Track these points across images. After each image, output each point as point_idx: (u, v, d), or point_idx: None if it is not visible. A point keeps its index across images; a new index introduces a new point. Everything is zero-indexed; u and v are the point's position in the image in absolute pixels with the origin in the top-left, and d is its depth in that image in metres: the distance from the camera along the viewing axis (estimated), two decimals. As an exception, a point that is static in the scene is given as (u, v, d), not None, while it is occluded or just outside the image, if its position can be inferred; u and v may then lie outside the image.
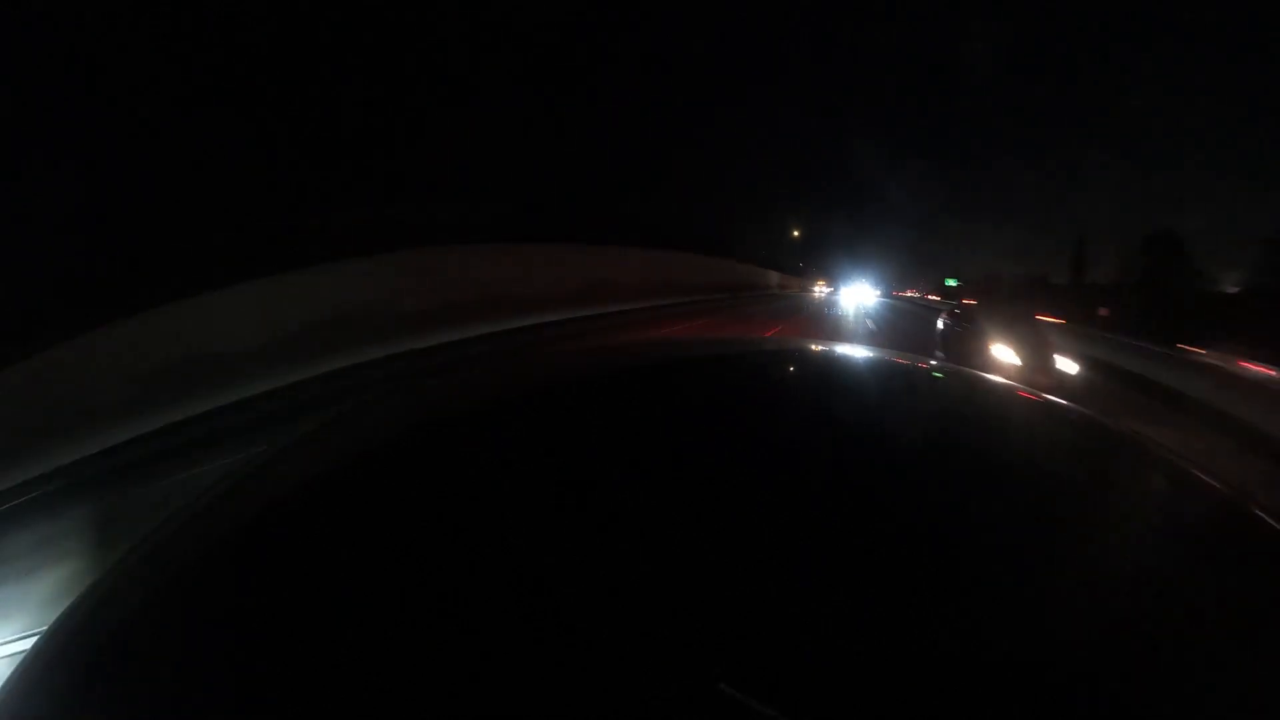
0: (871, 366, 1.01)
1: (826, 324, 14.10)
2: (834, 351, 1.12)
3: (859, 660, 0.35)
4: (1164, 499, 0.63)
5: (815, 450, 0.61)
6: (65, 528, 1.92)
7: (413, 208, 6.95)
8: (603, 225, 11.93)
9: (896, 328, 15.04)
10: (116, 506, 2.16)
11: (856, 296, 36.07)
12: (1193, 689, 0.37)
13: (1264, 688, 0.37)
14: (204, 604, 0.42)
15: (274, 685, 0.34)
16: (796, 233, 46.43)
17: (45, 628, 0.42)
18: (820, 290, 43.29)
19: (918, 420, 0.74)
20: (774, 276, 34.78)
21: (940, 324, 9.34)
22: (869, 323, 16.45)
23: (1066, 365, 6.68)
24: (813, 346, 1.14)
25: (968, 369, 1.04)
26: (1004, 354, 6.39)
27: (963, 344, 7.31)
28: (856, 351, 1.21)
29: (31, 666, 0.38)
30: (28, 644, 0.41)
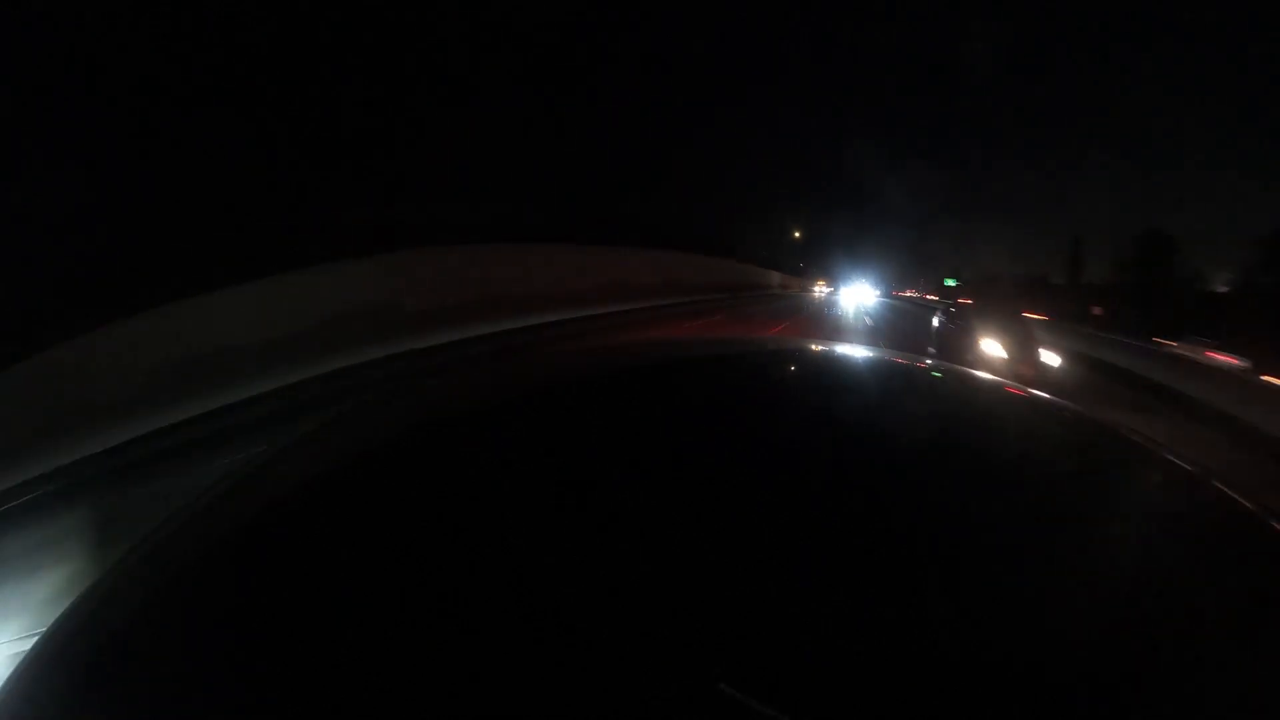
0: (870, 366, 1.01)
1: (826, 324, 14.18)
2: (833, 351, 1.13)
3: (859, 660, 0.35)
4: (1162, 498, 0.63)
5: (814, 450, 0.61)
6: (65, 528, 1.92)
7: (412, 208, 6.94)
8: (603, 225, 11.93)
9: (894, 326, 15.48)
10: (116, 506, 2.16)
11: (856, 296, 36.15)
12: (1192, 688, 0.37)
13: (1263, 687, 0.37)
14: (204, 604, 0.42)
15: (274, 685, 0.34)
16: (798, 234, 46.58)
17: (45, 628, 0.42)
18: (820, 290, 43.33)
19: (916, 420, 0.74)
20: (775, 277, 34.81)
21: (935, 321, 9.89)
22: (867, 319, 17.07)
23: (1050, 358, 7.21)
24: (812, 346, 1.14)
25: (965, 369, 1.04)
26: (992, 348, 6.90)
27: (955, 340, 7.76)
28: (855, 351, 1.21)
29: (31, 666, 0.38)
30: (28, 644, 0.41)
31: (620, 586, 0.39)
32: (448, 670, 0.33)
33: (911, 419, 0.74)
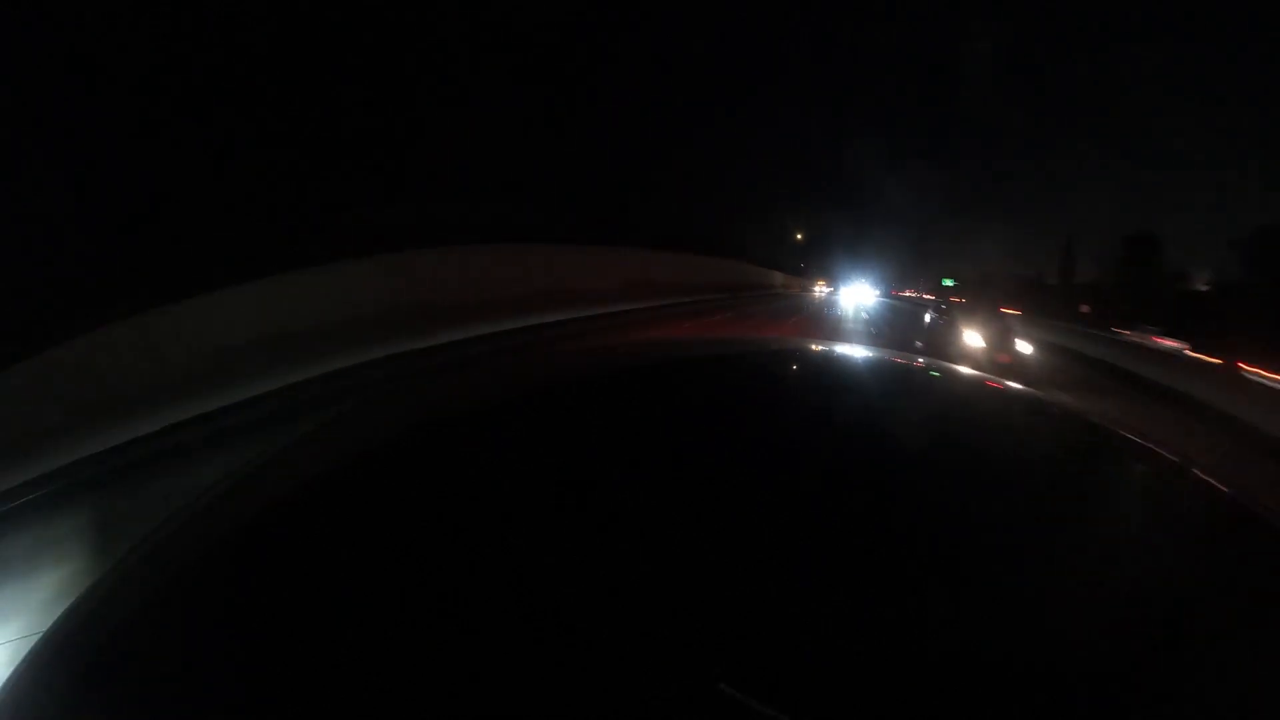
0: (868, 366, 1.01)
1: (826, 324, 14.34)
2: (832, 352, 1.13)
3: (858, 660, 0.35)
4: (1158, 495, 0.63)
5: (813, 450, 0.61)
6: (65, 528, 1.92)
7: (412, 208, 6.94)
8: (604, 225, 11.92)
9: (890, 324, 16.46)
10: (116, 506, 2.15)
11: (856, 296, 36.21)
12: (1190, 687, 0.37)
13: (1261, 686, 0.37)
14: (204, 604, 0.42)
15: (274, 685, 0.34)
16: (799, 236, 46.73)
17: (45, 628, 0.42)
18: (820, 290, 43.42)
19: (914, 420, 0.74)
20: (776, 277, 34.88)
21: (927, 318, 11.82)
22: (864, 315, 18.61)
23: (1024, 347, 8.46)
24: (811, 346, 1.14)
25: (963, 369, 1.04)
26: (973, 340, 8.07)
27: (943, 333, 9.23)
28: (854, 351, 1.22)
29: (31, 666, 0.38)
30: (28, 644, 0.41)
31: (620, 586, 0.39)
32: (448, 670, 0.33)
33: (910, 419, 0.75)
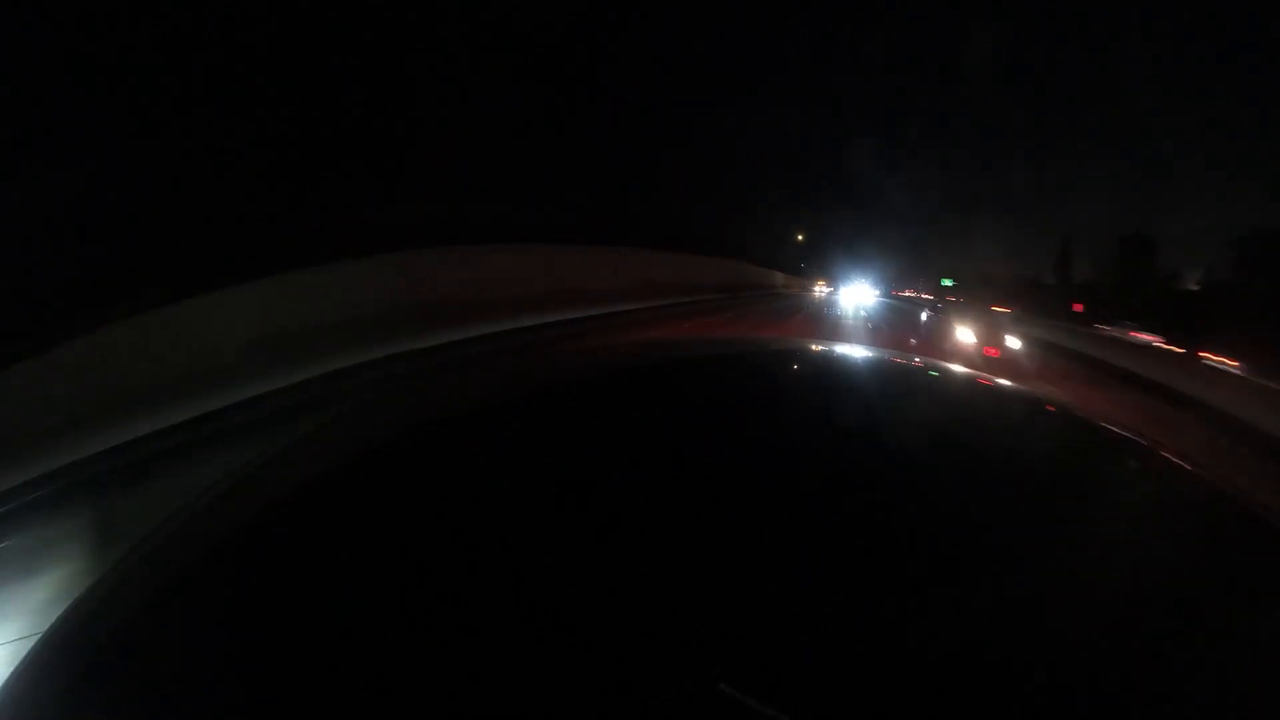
0: (867, 366, 1.02)
1: (825, 324, 14.47)
2: (832, 352, 1.13)
3: (859, 660, 0.35)
4: (1157, 495, 0.63)
5: (814, 450, 0.61)
6: (65, 528, 1.92)
7: (412, 208, 6.94)
8: (605, 225, 11.92)
9: (889, 322, 17.53)
10: (116, 506, 2.15)
11: (856, 296, 36.27)
12: (1190, 686, 0.37)
13: (1263, 687, 0.37)
14: (204, 604, 0.42)
15: (274, 685, 0.34)
16: (800, 237, 46.87)
17: (46, 628, 0.42)
18: (820, 290, 43.47)
19: (914, 420, 0.74)
20: (776, 276, 34.92)
21: (924, 316, 13.70)
22: (863, 314, 19.58)
23: (1012, 342, 9.21)
24: (811, 346, 1.15)
25: (960, 368, 1.04)
26: (965, 335, 8.99)
27: (938, 328, 10.46)
28: (854, 351, 1.22)
29: (31, 666, 0.38)
30: (28, 645, 0.41)
31: (621, 587, 0.39)
32: (448, 670, 0.33)
33: (909, 419, 0.75)
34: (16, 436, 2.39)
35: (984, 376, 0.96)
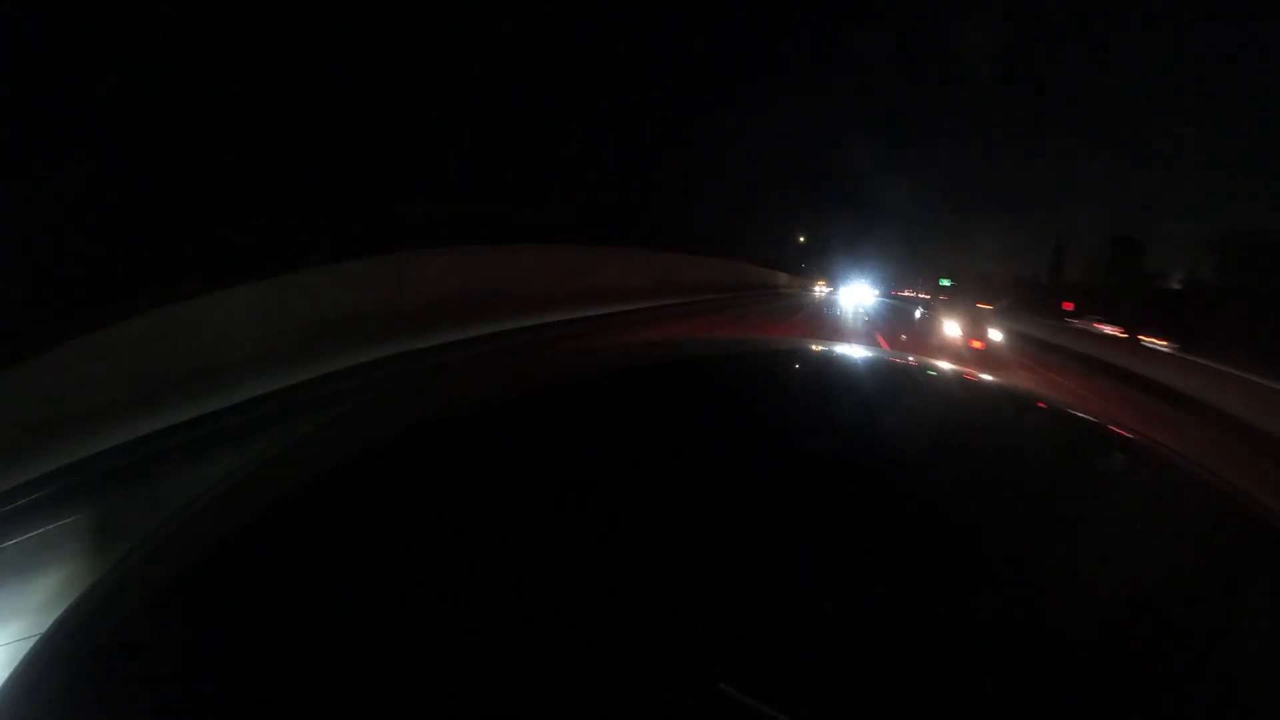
0: (867, 366, 1.01)
1: (825, 324, 14.64)
2: (832, 351, 1.13)
3: (859, 660, 0.35)
4: (1159, 497, 0.63)
5: (814, 450, 0.61)
6: (65, 529, 1.92)
7: (411, 208, 6.94)
8: (607, 226, 11.94)
9: (886, 319, 18.67)
10: (116, 506, 2.15)
11: (855, 296, 36.35)
12: (1190, 687, 0.36)
13: (1263, 687, 0.37)
14: (204, 604, 0.42)
15: (274, 685, 0.34)
16: (801, 239, 47.10)
17: (45, 629, 0.42)
18: (820, 290, 43.61)
19: (915, 419, 0.74)
20: (776, 276, 35.01)
21: (917, 314, 15.18)
22: (862, 311, 21.10)
23: (995, 334, 10.48)
24: (811, 346, 1.15)
25: (958, 367, 1.04)
26: (951, 329, 10.43)
27: (928, 324, 11.70)
28: (854, 351, 1.22)
29: (31, 666, 0.38)
30: (27, 645, 0.41)
31: (620, 586, 0.39)
32: (448, 670, 0.33)
33: (910, 419, 0.75)
34: (16, 436, 2.39)
35: (979, 376, 0.96)
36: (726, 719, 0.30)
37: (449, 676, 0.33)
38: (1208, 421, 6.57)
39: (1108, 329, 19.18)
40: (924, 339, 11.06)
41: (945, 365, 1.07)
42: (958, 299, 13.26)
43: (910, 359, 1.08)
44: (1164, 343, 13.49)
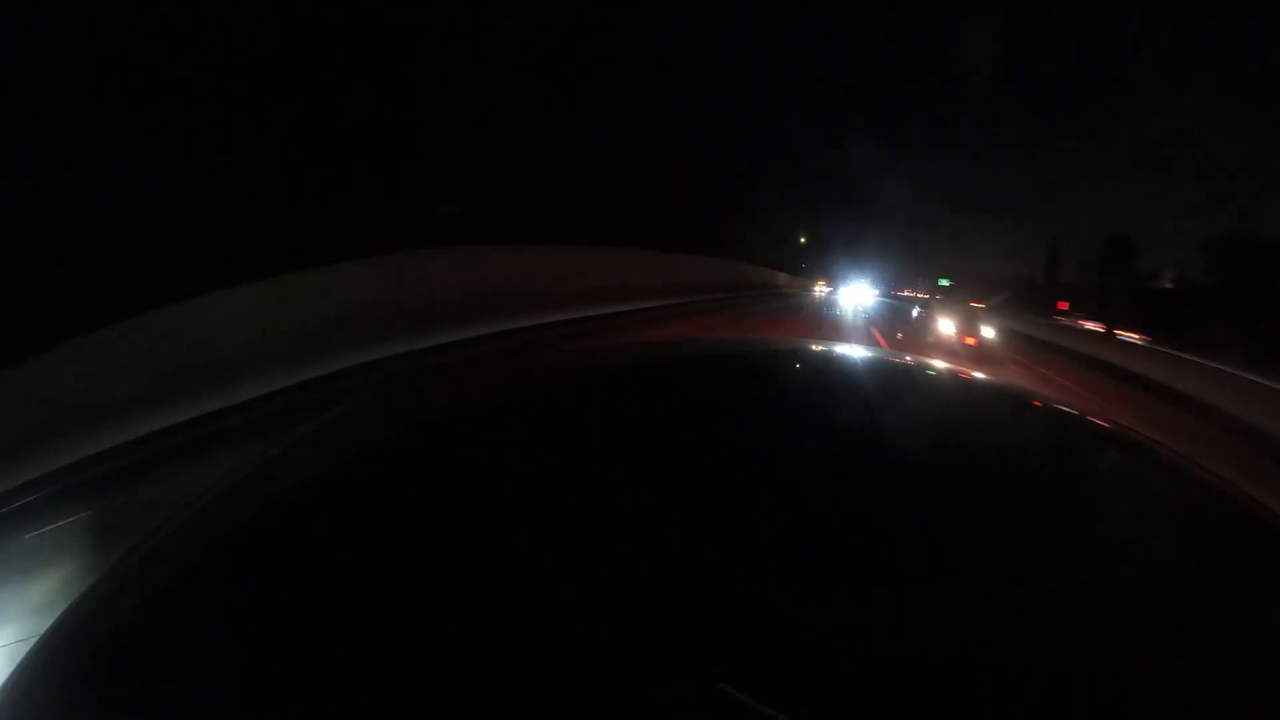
0: (867, 366, 1.01)
1: (825, 322, 14.77)
2: (831, 351, 1.13)
3: (859, 660, 0.35)
4: (1160, 496, 0.63)
5: (814, 450, 0.61)
6: (65, 529, 1.92)
7: (412, 208, 6.94)
8: (608, 226, 11.95)
9: (884, 318, 19.65)
10: (116, 507, 2.15)
11: (855, 296, 36.42)
12: (1191, 687, 0.36)
13: (1263, 687, 0.37)
14: (204, 604, 0.42)
15: (274, 685, 0.34)
16: (802, 239, 47.25)
17: (45, 629, 0.42)
18: (820, 290, 43.70)
19: (915, 420, 0.74)
20: (776, 276, 35.06)
21: (914, 312, 16.38)
22: (861, 311, 21.92)
23: (987, 332, 11.01)
24: (811, 346, 1.14)
25: (955, 367, 1.04)
26: (945, 326, 11.05)
27: (924, 322, 12.34)
28: (853, 351, 1.22)
29: (31, 666, 0.38)
30: (27, 646, 0.41)
31: (620, 586, 0.39)
32: (448, 670, 0.33)
33: (909, 419, 0.75)
34: (16, 436, 2.39)
35: (978, 375, 0.96)
36: (726, 719, 0.30)
37: (449, 676, 0.33)
38: (1165, 399, 7.92)
39: (1089, 325, 20.74)
40: (920, 336, 11.84)
41: (943, 365, 1.07)
42: (954, 298, 15.42)
43: (909, 359, 1.08)
44: (1137, 336, 14.95)
